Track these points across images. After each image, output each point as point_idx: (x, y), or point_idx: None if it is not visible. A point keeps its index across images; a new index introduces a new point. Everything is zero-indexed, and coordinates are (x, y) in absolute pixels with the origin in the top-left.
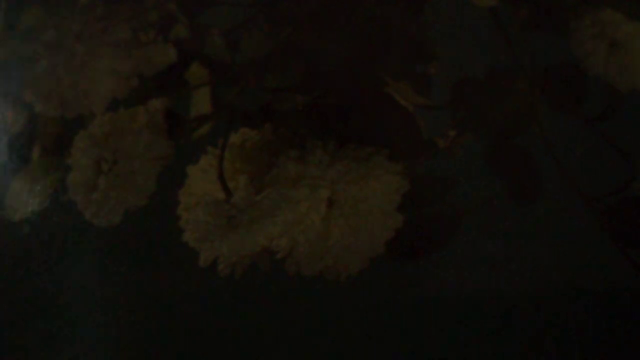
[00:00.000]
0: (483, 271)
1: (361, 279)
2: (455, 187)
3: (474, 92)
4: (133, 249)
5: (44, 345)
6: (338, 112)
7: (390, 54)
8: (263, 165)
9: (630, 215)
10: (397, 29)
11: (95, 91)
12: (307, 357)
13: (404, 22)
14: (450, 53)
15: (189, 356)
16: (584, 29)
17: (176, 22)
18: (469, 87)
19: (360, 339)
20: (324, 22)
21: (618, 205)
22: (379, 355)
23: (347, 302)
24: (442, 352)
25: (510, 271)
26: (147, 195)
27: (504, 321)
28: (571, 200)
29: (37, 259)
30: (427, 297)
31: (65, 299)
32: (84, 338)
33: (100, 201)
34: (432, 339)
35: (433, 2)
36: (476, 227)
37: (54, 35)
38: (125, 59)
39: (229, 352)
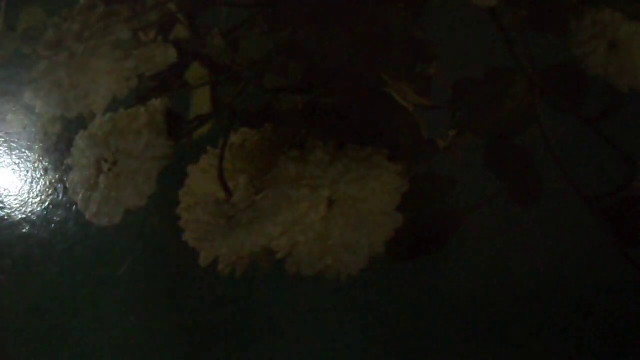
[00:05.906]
0: (483, 271)
1: (361, 279)
2: (455, 187)
3: (474, 92)
4: (133, 249)
5: (44, 345)
6: (338, 112)
7: (390, 54)
8: (263, 165)
9: (630, 215)
10: (397, 29)
11: (95, 91)
12: (307, 356)
13: (404, 22)
14: (450, 53)
15: (188, 355)
16: (584, 29)
17: (176, 22)
18: (469, 87)
19: (360, 339)
20: (324, 22)
21: (618, 205)
22: (378, 355)
23: (347, 302)
24: (441, 352)
25: (510, 271)
26: (147, 195)
27: (504, 321)
28: (571, 200)
29: (37, 259)
30: (427, 297)
31: (65, 299)
32: (84, 338)
33: (100, 201)
34: (432, 339)
35: (433, 2)
36: (476, 227)
37: (54, 35)
38: (125, 59)
39: (229, 351)
